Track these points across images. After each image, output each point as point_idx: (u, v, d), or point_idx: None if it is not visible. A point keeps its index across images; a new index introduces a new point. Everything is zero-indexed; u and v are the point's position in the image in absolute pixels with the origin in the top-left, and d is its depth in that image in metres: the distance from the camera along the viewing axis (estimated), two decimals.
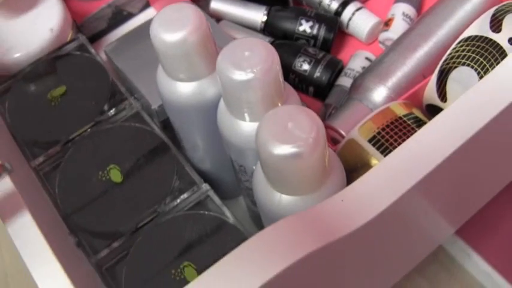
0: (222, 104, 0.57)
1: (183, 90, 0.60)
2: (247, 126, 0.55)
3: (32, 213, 0.56)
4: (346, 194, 0.48)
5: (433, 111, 0.71)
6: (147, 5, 0.98)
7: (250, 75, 0.50)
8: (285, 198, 0.51)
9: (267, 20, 0.84)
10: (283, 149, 0.46)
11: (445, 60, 0.68)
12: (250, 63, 0.51)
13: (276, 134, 0.47)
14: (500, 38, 0.66)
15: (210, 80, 0.59)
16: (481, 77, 0.65)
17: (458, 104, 0.53)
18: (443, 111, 0.53)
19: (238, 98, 0.53)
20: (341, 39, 0.88)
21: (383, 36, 0.84)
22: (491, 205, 0.72)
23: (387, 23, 0.85)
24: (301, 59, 0.79)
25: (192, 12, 0.56)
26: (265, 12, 0.84)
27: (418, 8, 0.87)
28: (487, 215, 0.73)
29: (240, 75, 0.51)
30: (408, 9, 0.85)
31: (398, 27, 0.83)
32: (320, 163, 0.49)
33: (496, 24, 0.67)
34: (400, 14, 0.84)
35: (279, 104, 0.55)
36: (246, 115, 0.54)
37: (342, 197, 0.48)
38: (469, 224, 0.72)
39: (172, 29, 0.56)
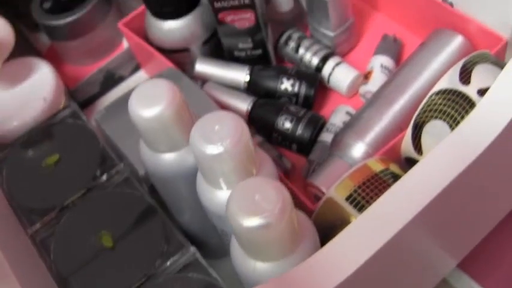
0: (199, 173, 0.59)
1: (164, 160, 0.63)
2: (223, 195, 0.57)
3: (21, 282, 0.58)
4: (316, 259, 0.50)
5: (411, 163, 0.72)
6: (137, 68, 1.01)
7: (220, 149, 0.53)
8: (259, 265, 0.53)
9: (249, 80, 0.87)
10: (251, 221, 0.48)
11: (419, 114, 0.70)
12: (220, 136, 0.53)
13: (244, 206, 0.49)
14: (470, 90, 0.68)
15: (188, 149, 0.62)
16: (452, 129, 0.67)
17: (427, 159, 0.55)
18: (413, 167, 0.55)
19: (212, 169, 0.55)
20: (323, 94, 0.91)
21: (363, 89, 0.86)
22: (494, 238, 0.73)
23: (366, 76, 0.87)
24: (283, 118, 0.81)
25: (167, 87, 0.59)
26: (248, 72, 0.87)
27: (396, 58, 0.89)
28: (490, 248, 0.74)
29: (211, 149, 0.53)
30: (386, 60, 0.87)
31: (377, 80, 0.85)
32: (289, 230, 0.51)
33: (465, 77, 0.69)
34: (379, 66, 0.87)
35: (254, 171, 0.57)
36: (221, 184, 0.57)
37: (312, 262, 0.50)
38: (472, 258, 0.73)
39: (148, 105, 0.58)
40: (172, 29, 0.86)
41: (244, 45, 0.88)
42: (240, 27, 0.84)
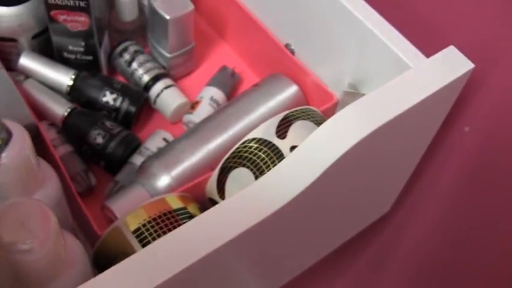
0: None
1: None
2: None
3: None
4: None
5: (214, 205, 0.70)
6: None
7: None
8: None
9: (72, 85, 0.82)
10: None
11: (228, 159, 0.68)
12: None
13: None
14: (283, 145, 0.67)
15: None
16: None
17: (221, 206, 0.54)
18: (205, 212, 0.53)
19: None
20: (148, 114, 0.88)
21: (186, 118, 0.84)
22: None
23: (193, 106, 0.84)
24: (96, 132, 0.78)
25: None
26: (73, 76, 0.82)
27: (229, 93, 0.88)
28: None
29: None
30: (217, 93, 0.85)
31: (202, 111, 0.83)
32: (53, 258, 0.48)
33: (282, 130, 0.68)
34: (208, 98, 0.84)
35: (34, 187, 0.53)
36: None
37: None
38: None
39: None
40: (2, 15, 0.80)
41: (75, 48, 0.83)
42: (73, 29, 0.80)
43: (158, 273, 0.49)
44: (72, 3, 0.77)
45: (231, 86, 0.88)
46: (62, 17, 0.79)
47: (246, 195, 0.55)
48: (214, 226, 0.53)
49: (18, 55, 0.83)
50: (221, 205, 0.54)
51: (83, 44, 0.83)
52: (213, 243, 0.51)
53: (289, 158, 0.57)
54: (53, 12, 0.78)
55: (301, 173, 0.56)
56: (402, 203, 0.87)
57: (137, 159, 0.78)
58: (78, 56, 0.85)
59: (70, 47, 0.83)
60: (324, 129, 0.58)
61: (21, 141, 0.50)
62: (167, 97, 0.85)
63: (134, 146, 0.79)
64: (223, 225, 0.53)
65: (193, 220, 0.52)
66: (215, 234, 0.52)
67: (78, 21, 0.79)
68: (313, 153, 0.57)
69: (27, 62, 0.83)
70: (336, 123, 0.58)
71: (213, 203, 0.70)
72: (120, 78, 0.88)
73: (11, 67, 0.84)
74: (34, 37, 0.84)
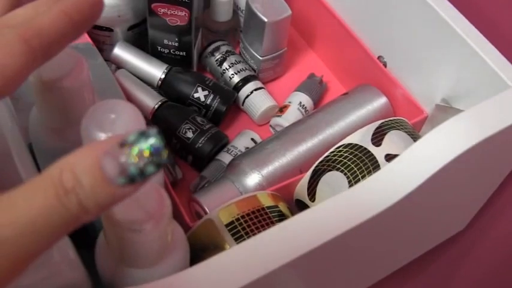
0: None
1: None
2: None
3: None
4: (179, 277, 0.47)
5: (301, 207, 0.71)
6: None
7: None
8: (125, 270, 0.50)
9: (164, 79, 0.83)
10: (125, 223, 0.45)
11: (321, 162, 0.68)
12: (116, 126, 0.49)
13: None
14: (378, 152, 0.67)
15: None
16: (351, 185, 0.65)
17: (317, 209, 0.53)
18: (302, 212, 0.53)
19: None
20: (235, 114, 0.88)
21: (274, 121, 0.84)
22: None
23: (282, 109, 0.85)
24: (187, 126, 0.78)
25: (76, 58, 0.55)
26: (166, 70, 0.83)
27: (317, 100, 0.88)
28: None
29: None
30: (306, 100, 0.85)
31: (291, 116, 0.83)
32: (161, 240, 0.48)
33: (378, 138, 0.68)
34: (297, 103, 0.85)
35: None
36: None
37: (173, 280, 0.46)
38: None
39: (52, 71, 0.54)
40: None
41: (170, 42, 0.84)
42: (171, 23, 0.81)
43: (261, 266, 0.49)
44: None
45: (318, 93, 0.88)
46: (162, 10, 0.80)
47: (341, 200, 0.54)
48: (307, 228, 0.52)
49: (112, 45, 0.85)
50: (319, 207, 0.54)
51: (178, 39, 0.84)
52: (309, 244, 0.51)
53: (389, 166, 0.56)
54: (154, 5, 0.79)
55: (399, 183, 0.56)
56: (479, 221, 0.86)
57: (224, 157, 0.78)
58: (172, 51, 0.85)
59: (165, 41, 0.84)
60: (425, 141, 0.58)
61: (137, 122, 0.51)
62: (256, 99, 0.85)
63: (223, 143, 0.80)
64: (316, 228, 0.53)
65: (286, 221, 0.52)
66: (312, 235, 0.52)
67: (178, 16, 0.80)
68: (413, 163, 0.57)
69: (121, 52, 0.84)
70: (437, 136, 0.58)
71: (301, 205, 0.70)
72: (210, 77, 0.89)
73: (104, 56, 0.85)
74: (130, 28, 0.85)
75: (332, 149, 0.68)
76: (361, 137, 0.68)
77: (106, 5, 0.79)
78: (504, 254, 0.87)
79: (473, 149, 0.57)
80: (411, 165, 0.56)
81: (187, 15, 0.80)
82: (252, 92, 0.85)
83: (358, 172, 0.66)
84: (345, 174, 0.66)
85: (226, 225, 0.62)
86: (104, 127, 0.50)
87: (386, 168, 0.56)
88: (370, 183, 0.55)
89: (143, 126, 0.51)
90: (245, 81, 0.86)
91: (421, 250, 0.83)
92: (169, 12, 0.80)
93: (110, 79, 0.75)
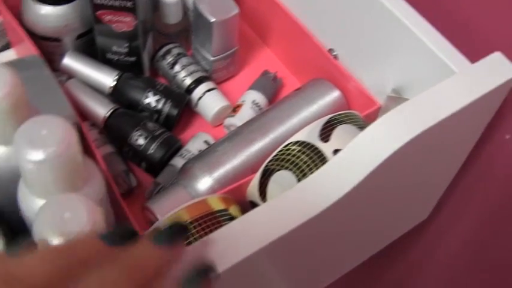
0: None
1: None
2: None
3: None
4: None
5: (255, 207, 0.70)
6: (7, 46, 0.95)
7: (41, 156, 0.49)
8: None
9: (115, 86, 0.83)
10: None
11: (270, 161, 0.68)
12: (45, 143, 0.49)
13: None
14: (326, 148, 0.66)
15: None
16: None
17: (264, 208, 0.54)
18: (247, 213, 0.53)
19: (32, 175, 0.51)
20: (190, 116, 0.87)
21: (228, 121, 0.84)
22: None
23: (235, 109, 0.84)
24: (138, 133, 0.77)
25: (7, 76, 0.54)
26: (116, 77, 0.83)
27: (271, 98, 0.87)
28: None
29: (32, 155, 0.49)
30: (259, 97, 0.85)
31: (244, 115, 0.83)
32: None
33: (326, 133, 0.68)
34: (250, 102, 0.84)
35: (79, 183, 0.53)
36: (41, 193, 0.52)
37: None
38: None
39: None
40: (48, 14, 0.81)
41: (119, 49, 0.83)
42: (117, 29, 0.80)
43: None
44: (118, 4, 0.77)
45: (273, 90, 0.88)
46: (107, 18, 0.79)
47: (290, 197, 0.55)
48: (256, 227, 0.52)
49: (62, 55, 0.84)
50: (264, 206, 0.54)
51: (126, 45, 0.83)
52: (255, 244, 0.51)
53: (334, 160, 0.56)
54: (98, 12, 0.79)
55: (344, 176, 0.56)
56: (441, 209, 0.86)
57: (178, 162, 0.78)
58: (122, 57, 0.85)
59: (114, 48, 0.84)
60: (368, 133, 0.58)
61: (68, 138, 0.50)
62: (209, 100, 0.84)
63: (175, 148, 0.79)
64: (265, 226, 0.53)
65: (235, 221, 0.52)
66: (257, 235, 0.52)
67: (124, 22, 0.80)
68: (357, 156, 0.57)
69: (70, 62, 0.83)
70: (380, 127, 0.58)
71: (254, 205, 0.69)
72: (162, 81, 0.88)
73: (54, 67, 0.85)
74: (78, 37, 0.84)
75: (280, 148, 0.68)
76: (308, 134, 0.68)
77: (52, 15, 0.79)
78: (468, 238, 0.87)
79: (418, 138, 0.57)
80: (356, 157, 0.56)
81: (132, 20, 0.79)
82: (204, 94, 0.85)
83: (307, 170, 0.65)
84: (294, 172, 0.66)
85: None
86: (35, 143, 0.49)
87: (331, 161, 0.56)
88: (315, 177, 0.55)
89: (74, 141, 0.50)
90: (197, 82, 0.85)
91: (383, 242, 0.83)
92: (114, 19, 0.79)
93: (56, 91, 0.74)
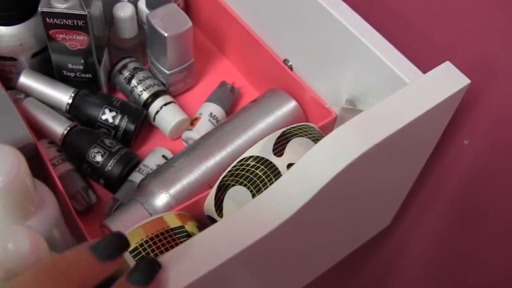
0: None
1: None
2: None
3: None
4: None
5: (212, 223, 0.70)
6: None
7: None
8: None
9: (72, 103, 0.83)
10: None
11: (225, 176, 0.68)
12: None
13: None
14: (281, 163, 0.67)
15: None
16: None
17: (218, 226, 0.54)
18: (203, 231, 0.53)
19: None
20: (148, 131, 0.88)
21: (186, 134, 0.84)
22: None
23: (193, 122, 0.85)
24: (96, 150, 0.78)
25: None
26: (72, 94, 0.83)
27: (229, 109, 0.88)
28: None
29: None
30: (217, 110, 0.85)
31: (202, 128, 0.83)
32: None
33: (280, 147, 0.68)
34: (207, 114, 0.85)
35: (31, 209, 0.54)
36: None
37: None
38: None
39: None
40: (2, 34, 0.80)
41: (74, 66, 0.84)
42: (72, 47, 0.80)
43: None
44: (70, 23, 0.77)
45: (230, 101, 0.88)
46: (60, 36, 0.79)
47: (243, 214, 0.55)
48: (211, 245, 0.53)
49: (18, 74, 0.84)
50: (217, 225, 0.54)
51: (82, 62, 0.83)
52: (210, 263, 0.51)
53: (286, 176, 0.57)
54: (51, 32, 0.79)
55: (297, 191, 0.56)
56: (403, 217, 0.87)
57: (137, 177, 0.78)
58: (78, 74, 0.85)
59: (69, 66, 0.84)
60: (321, 147, 0.58)
61: (16, 167, 0.50)
62: (166, 114, 0.85)
63: (133, 163, 0.80)
64: (220, 244, 0.53)
65: (189, 240, 0.52)
66: (212, 254, 0.52)
67: (77, 40, 0.80)
68: (310, 170, 0.57)
69: (27, 80, 0.83)
70: (333, 141, 0.58)
71: (212, 220, 0.70)
72: (120, 96, 0.89)
73: (11, 86, 0.85)
74: (34, 56, 0.84)
75: (235, 163, 0.68)
76: (262, 148, 0.68)
77: (6, 35, 0.79)
78: (430, 244, 0.88)
79: (372, 150, 0.57)
80: (309, 172, 0.57)
81: (85, 38, 0.79)
82: (161, 108, 0.85)
83: (261, 185, 0.66)
84: (248, 188, 0.66)
85: (131, 252, 0.61)
86: None
87: (283, 177, 0.56)
88: (268, 194, 0.56)
89: (22, 170, 0.51)
90: (154, 96, 0.86)
91: (344, 251, 0.83)
92: (67, 37, 0.79)
93: (11, 111, 0.74)
